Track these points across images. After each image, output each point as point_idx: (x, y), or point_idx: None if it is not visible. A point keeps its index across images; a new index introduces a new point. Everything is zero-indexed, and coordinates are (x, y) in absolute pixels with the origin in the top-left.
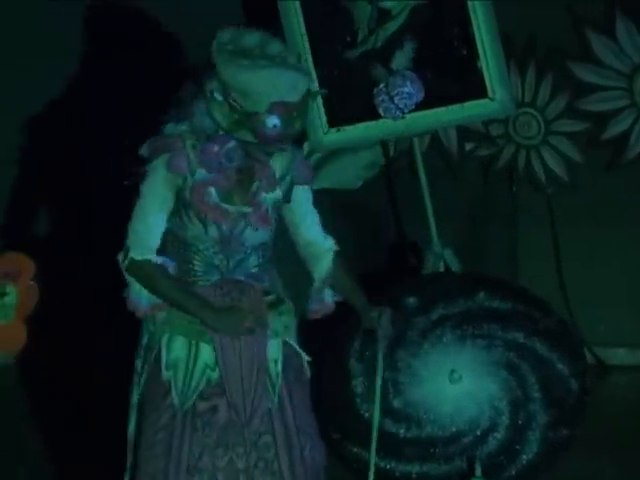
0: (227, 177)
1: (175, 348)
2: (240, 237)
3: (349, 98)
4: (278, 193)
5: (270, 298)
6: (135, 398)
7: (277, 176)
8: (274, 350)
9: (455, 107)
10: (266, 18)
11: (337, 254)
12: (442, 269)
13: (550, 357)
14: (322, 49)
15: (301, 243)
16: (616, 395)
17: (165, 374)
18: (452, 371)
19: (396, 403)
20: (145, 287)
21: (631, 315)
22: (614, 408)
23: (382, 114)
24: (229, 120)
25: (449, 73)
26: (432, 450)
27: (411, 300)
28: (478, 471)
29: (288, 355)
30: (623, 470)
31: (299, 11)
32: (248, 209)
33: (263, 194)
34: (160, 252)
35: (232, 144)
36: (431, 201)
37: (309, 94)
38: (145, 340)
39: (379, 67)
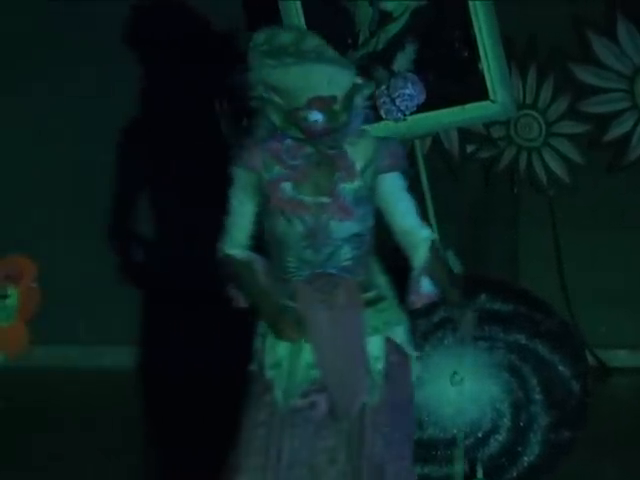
0: (301, 172)
1: (278, 348)
2: (326, 229)
3: None
4: (360, 183)
5: (369, 295)
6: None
7: (359, 166)
8: (375, 347)
9: (456, 109)
10: (267, 19)
11: (433, 243)
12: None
13: (552, 359)
14: None
15: (397, 232)
16: (617, 397)
17: (268, 373)
18: (454, 373)
19: None
20: (229, 279)
21: (632, 317)
22: (615, 410)
23: (383, 116)
24: (279, 119)
25: (450, 75)
26: (434, 452)
27: None
28: (480, 473)
29: (390, 352)
30: (625, 471)
31: (300, 12)
32: (327, 200)
33: (342, 185)
34: (262, 252)
35: (288, 142)
36: (432, 203)
37: (353, 87)
38: (256, 342)
39: (380, 69)
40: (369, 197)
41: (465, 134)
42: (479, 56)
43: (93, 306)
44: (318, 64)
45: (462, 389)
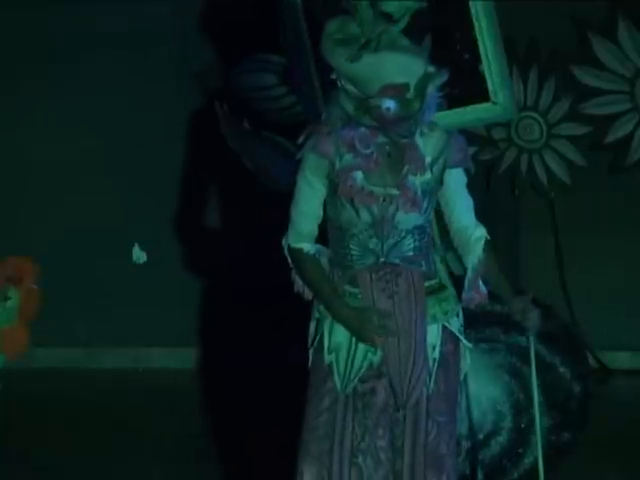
0: (373, 161)
1: (337, 332)
2: (392, 220)
3: None
4: (428, 176)
5: (430, 284)
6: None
7: (429, 159)
8: (433, 336)
9: (457, 111)
10: (269, 22)
11: (487, 243)
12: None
13: (552, 361)
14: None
15: (453, 228)
16: (618, 398)
17: (327, 358)
18: None
19: None
20: (297, 273)
21: (633, 319)
22: (616, 412)
23: None
24: (352, 107)
25: (451, 77)
26: None
27: None
28: (481, 475)
29: (445, 340)
30: (625, 473)
31: (302, 15)
32: (396, 192)
33: (412, 177)
34: (322, 238)
35: (361, 130)
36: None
37: (426, 75)
38: (312, 327)
39: None
40: (435, 190)
41: (466, 136)
42: (480, 58)
43: (93, 307)
44: (391, 52)
45: (463, 391)
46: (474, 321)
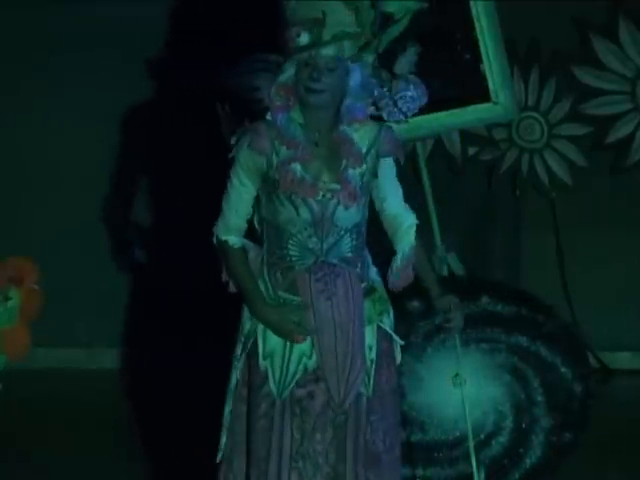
0: (308, 152)
1: (271, 337)
2: (332, 218)
3: None
4: (364, 168)
5: (364, 286)
6: (233, 382)
7: (364, 150)
8: (369, 337)
9: (458, 111)
10: (269, 22)
11: (417, 230)
12: (445, 273)
13: (554, 361)
14: None
15: (385, 215)
16: (620, 399)
17: (262, 363)
18: (456, 375)
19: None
20: (223, 264)
21: (634, 319)
22: (617, 412)
23: (385, 118)
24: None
25: (452, 77)
26: (436, 454)
27: (415, 304)
28: (482, 475)
29: (380, 340)
30: (627, 474)
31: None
32: (336, 186)
33: (351, 170)
34: (257, 239)
35: (293, 123)
36: (434, 205)
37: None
38: (244, 328)
39: (382, 71)
40: (370, 182)
41: (467, 136)
42: (481, 58)
43: (93, 307)
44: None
45: (464, 391)
46: (475, 321)
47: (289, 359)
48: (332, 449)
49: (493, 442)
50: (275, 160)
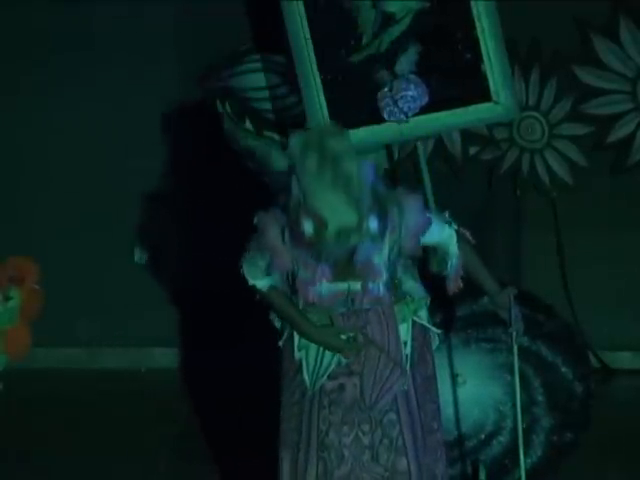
0: (328, 274)
1: None
2: (361, 299)
3: (353, 102)
4: (385, 254)
5: (398, 293)
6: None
7: (386, 251)
8: (403, 333)
9: (459, 111)
10: (270, 22)
11: (458, 235)
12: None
13: (554, 361)
14: (326, 53)
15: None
16: (620, 398)
17: (297, 354)
18: (456, 375)
19: None
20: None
21: (635, 318)
22: (618, 412)
23: (386, 118)
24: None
25: (453, 77)
26: None
27: None
28: (482, 475)
29: (415, 335)
30: (627, 474)
31: (303, 15)
32: (359, 288)
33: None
34: None
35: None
36: (435, 205)
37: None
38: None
39: (383, 71)
40: (397, 257)
41: (468, 136)
42: (482, 58)
43: (94, 307)
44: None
45: (465, 391)
46: (477, 321)
47: (324, 351)
48: (387, 447)
49: (494, 442)
50: (297, 271)
